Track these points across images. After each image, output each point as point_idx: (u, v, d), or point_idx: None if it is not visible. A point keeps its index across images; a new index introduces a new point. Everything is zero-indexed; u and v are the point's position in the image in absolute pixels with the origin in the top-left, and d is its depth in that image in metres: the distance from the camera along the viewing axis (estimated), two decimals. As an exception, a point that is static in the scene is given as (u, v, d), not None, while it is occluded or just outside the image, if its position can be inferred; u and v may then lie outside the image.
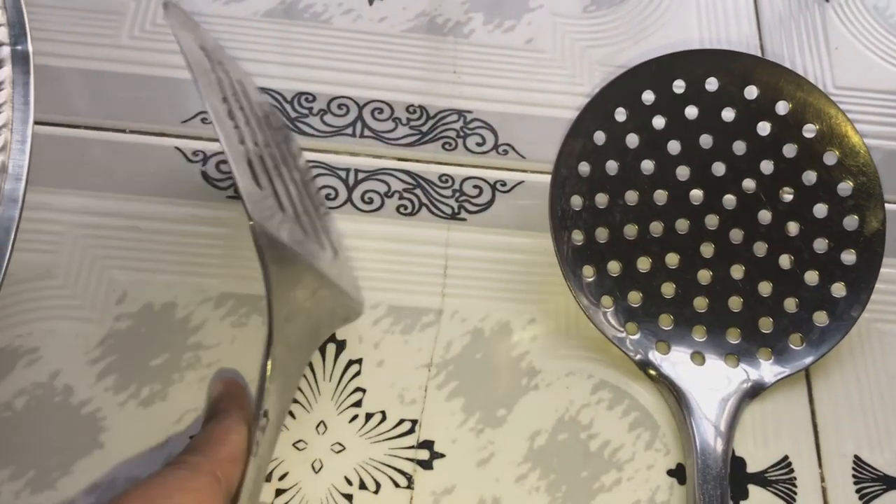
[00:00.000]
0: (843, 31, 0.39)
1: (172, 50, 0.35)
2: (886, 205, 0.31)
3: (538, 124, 0.35)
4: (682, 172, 0.32)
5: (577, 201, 0.31)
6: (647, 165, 0.31)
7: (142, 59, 0.35)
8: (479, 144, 0.35)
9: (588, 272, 0.31)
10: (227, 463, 0.23)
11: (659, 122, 0.31)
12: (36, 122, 0.30)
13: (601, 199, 0.31)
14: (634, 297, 0.31)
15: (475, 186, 0.34)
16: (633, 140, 0.31)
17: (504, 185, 0.34)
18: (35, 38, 0.33)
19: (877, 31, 0.39)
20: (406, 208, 0.33)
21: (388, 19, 0.37)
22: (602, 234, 0.31)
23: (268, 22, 0.37)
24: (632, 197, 0.31)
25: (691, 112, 0.31)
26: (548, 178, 0.31)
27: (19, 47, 0.27)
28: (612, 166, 0.31)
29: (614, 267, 0.31)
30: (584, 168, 0.31)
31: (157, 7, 0.36)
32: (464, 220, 0.33)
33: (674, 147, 0.31)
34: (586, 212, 0.31)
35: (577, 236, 0.31)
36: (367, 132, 0.34)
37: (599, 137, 0.31)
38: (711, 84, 0.32)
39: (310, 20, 0.37)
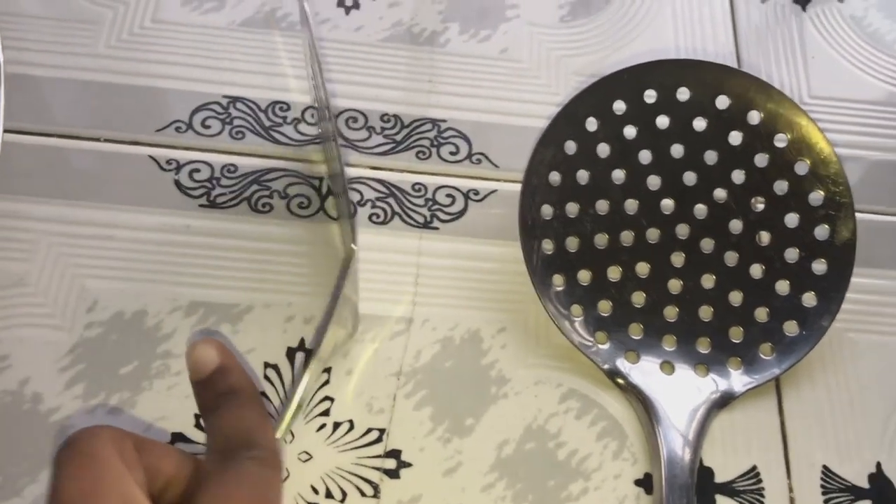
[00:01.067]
0: (819, 40, 0.39)
1: (148, 59, 0.36)
2: (860, 215, 0.31)
3: (512, 133, 0.36)
4: (654, 182, 0.32)
5: (547, 210, 0.31)
6: (618, 175, 0.32)
7: (118, 68, 0.35)
8: (452, 153, 0.35)
9: (558, 281, 0.31)
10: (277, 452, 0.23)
11: (630, 131, 0.31)
12: (9, 131, 0.30)
13: (571, 209, 0.31)
14: (604, 307, 0.31)
15: (448, 195, 0.34)
16: (603, 150, 0.31)
17: (477, 194, 0.34)
18: (10, 46, 0.34)
19: (854, 41, 0.39)
20: (378, 217, 0.33)
21: (365, 28, 0.37)
22: (572, 244, 0.31)
23: (245, 31, 0.37)
24: (602, 206, 0.31)
25: (662, 122, 0.32)
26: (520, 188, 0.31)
27: (-12, 56, 0.27)
28: (582, 176, 0.31)
29: (584, 276, 0.31)
30: (555, 177, 0.31)
31: (134, 17, 0.37)
32: (436, 228, 0.33)
33: (645, 157, 0.32)
34: (556, 221, 0.31)
35: (547, 245, 0.31)
36: (341, 141, 0.35)
37: (570, 147, 0.31)
38: (683, 94, 0.32)
39: (286, 30, 0.37)
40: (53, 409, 0.29)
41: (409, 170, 0.34)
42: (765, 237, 0.31)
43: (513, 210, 0.31)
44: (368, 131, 0.35)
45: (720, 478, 0.29)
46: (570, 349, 0.30)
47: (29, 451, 0.28)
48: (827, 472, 0.30)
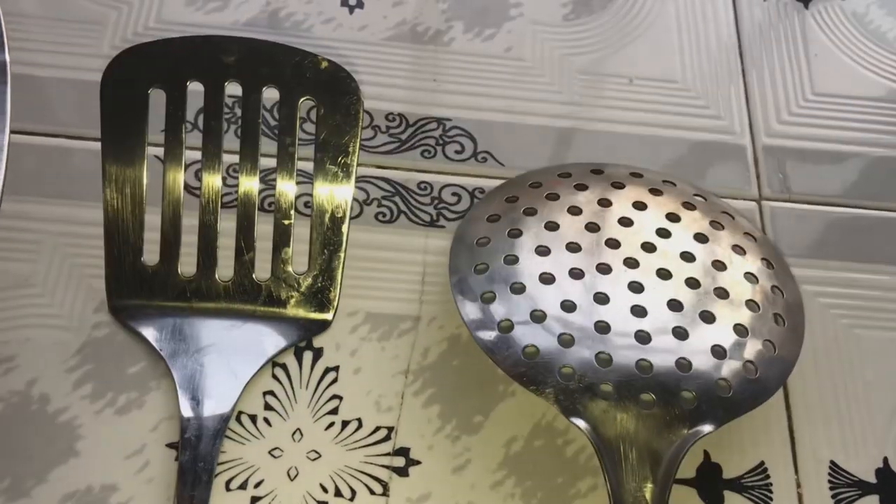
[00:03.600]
0: (822, 38, 0.39)
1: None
2: (862, 211, 0.31)
3: (517, 132, 0.36)
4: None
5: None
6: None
7: (122, 68, 0.35)
8: (457, 152, 0.35)
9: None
10: None
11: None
12: (15, 132, 0.30)
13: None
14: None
15: (454, 194, 0.34)
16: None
17: (482, 192, 0.34)
18: (15, 47, 0.34)
19: (856, 37, 0.39)
20: (384, 216, 0.33)
21: (369, 27, 0.38)
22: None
23: (249, 31, 0.37)
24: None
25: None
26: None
27: (-5, 57, 0.27)
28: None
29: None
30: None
31: (138, 17, 0.37)
32: (442, 227, 0.33)
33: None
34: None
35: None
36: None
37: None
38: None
39: (290, 29, 0.37)
40: (61, 410, 0.29)
41: (415, 168, 0.34)
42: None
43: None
44: (374, 130, 0.35)
45: (728, 474, 0.30)
46: (578, 346, 0.30)
47: (37, 453, 0.28)
48: (834, 467, 0.30)
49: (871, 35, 0.40)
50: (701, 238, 0.31)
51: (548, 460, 0.29)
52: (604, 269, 0.30)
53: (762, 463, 0.30)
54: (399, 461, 0.29)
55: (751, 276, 0.30)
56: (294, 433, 0.29)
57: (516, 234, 0.31)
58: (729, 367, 0.28)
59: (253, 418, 0.29)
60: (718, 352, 0.28)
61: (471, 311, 0.29)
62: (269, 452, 0.29)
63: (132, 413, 0.29)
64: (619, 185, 0.32)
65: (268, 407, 0.30)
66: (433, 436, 0.30)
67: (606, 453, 0.27)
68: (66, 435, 0.29)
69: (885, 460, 0.30)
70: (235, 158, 0.32)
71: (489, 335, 0.28)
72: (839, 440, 0.30)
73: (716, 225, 0.32)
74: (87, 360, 0.30)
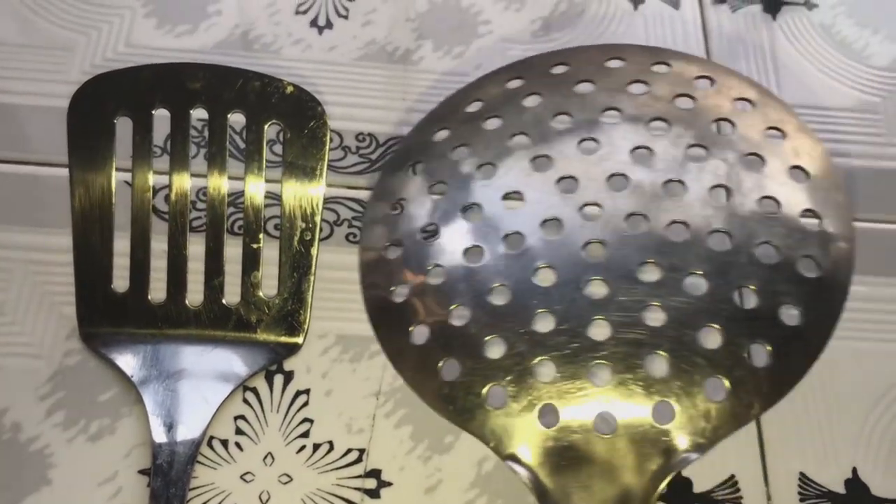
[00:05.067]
0: (790, 49, 0.40)
1: (122, 84, 0.36)
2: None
3: (487, 149, 0.36)
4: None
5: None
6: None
7: (92, 93, 0.35)
8: (428, 171, 0.35)
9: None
10: None
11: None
12: (-16, 160, 0.30)
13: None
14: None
15: (424, 213, 0.34)
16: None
17: (453, 211, 0.34)
18: (-18, 76, 0.34)
19: (823, 48, 0.40)
20: (355, 236, 0.34)
21: (338, 48, 0.38)
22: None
23: (219, 54, 0.37)
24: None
25: None
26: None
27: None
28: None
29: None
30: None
31: (107, 42, 0.37)
32: (413, 246, 0.33)
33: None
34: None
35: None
36: (316, 161, 0.35)
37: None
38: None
39: (260, 51, 0.37)
40: (33, 438, 0.29)
41: (385, 188, 0.35)
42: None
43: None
44: (344, 151, 0.35)
45: (698, 488, 0.30)
46: (548, 364, 0.31)
47: (8, 482, 0.28)
48: (804, 478, 0.30)
49: (838, 45, 0.40)
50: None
51: (519, 479, 0.29)
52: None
53: (732, 476, 0.30)
54: (371, 483, 0.29)
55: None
56: (265, 457, 0.29)
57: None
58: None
59: (224, 443, 0.30)
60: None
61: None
62: (241, 477, 0.29)
63: (104, 440, 0.29)
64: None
65: (239, 431, 0.30)
66: (405, 456, 0.30)
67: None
68: (39, 463, 0.29)
69: (854, 471, 0.30)
70: (204, 182, 0.32)
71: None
72: (809, 452, 0.31)
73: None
74: (58, 387, 0.30)
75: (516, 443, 0.28)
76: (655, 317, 0.29)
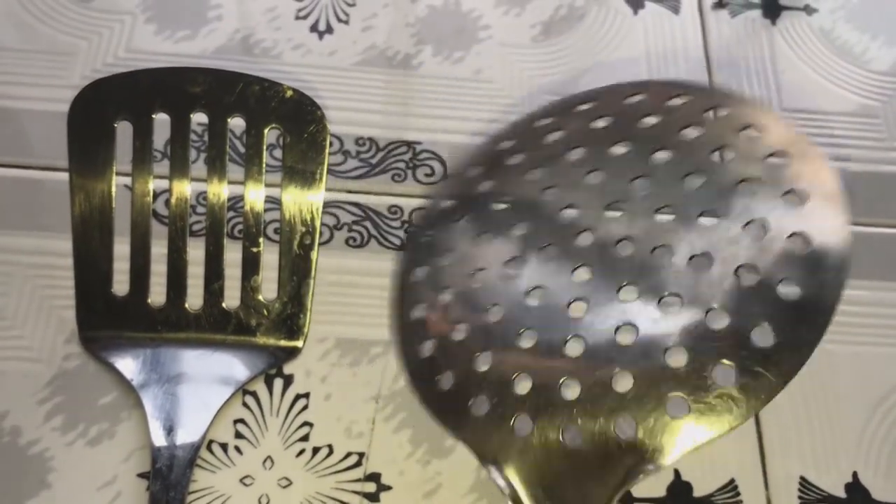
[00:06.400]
0: (790, 54, 0.40)
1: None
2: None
3: (487, 154, 0.36)
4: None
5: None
6: None
7: (93, 98, 0.36)
8: (427, 175, 0.35)
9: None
10: None
11: None
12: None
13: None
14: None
15: (424, 217, 0.34)
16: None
17: (452, 215, 0.34)
18: (-16, 81, 0.34)
19: (823, 53, 0.40)
20: (355, 240, 0.34)
21: (338, 53, 0.38)
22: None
23: (219, 59, 0.37)
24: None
25: None
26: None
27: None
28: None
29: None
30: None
31: (108, 47, 0.37)
32: (413, 250, 0.34)
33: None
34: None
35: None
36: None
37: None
38: None
39: (260, 56, 0.37)
40: (32, 442, 0.29)
41: (385, 192, 0.35)
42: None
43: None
44: (344, 155, 0.35)
45: (698, 492, 0.30)
46: (547, 368, 0.30)
47: (7, 487, 0.28)
48: (805, 482, 0.30)
49: (838, 50, 0.40)
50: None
51: (519, 483, 0.29)
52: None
53: (732, 480, 0.30)
54: (370, 487, 0.29)
55: None
56: (265, 461, 0.29)
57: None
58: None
59: (224, 446, 0.30)
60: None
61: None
62: (241, 480, 0.29)
63: (104, 444, 0.29)
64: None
65: (238, 435, 0.30)
66: (404, 461, 0.30)
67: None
68: (38, 467, 0.29)
69: (855, 475, 0.30)
70: (204, 186, 0.32)
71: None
72: (810, 456, 0.30)
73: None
74: (58, 391, 0.30)
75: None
76: (625, 338, 0.29)
